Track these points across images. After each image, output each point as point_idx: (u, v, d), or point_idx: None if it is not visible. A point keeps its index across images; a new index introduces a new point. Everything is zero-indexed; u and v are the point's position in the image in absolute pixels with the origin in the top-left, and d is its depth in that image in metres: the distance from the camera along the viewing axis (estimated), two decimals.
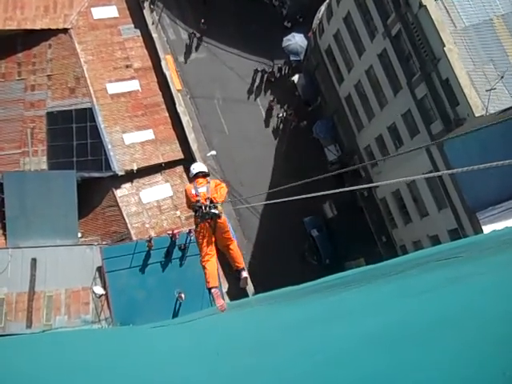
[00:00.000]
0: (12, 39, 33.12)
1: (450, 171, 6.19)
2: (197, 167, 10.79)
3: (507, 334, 2.80)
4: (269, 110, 41.26)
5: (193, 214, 10.46)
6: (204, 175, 10.67)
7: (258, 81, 41.33)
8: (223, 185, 10.55)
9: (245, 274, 10.43)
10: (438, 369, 2.67)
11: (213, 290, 10.10)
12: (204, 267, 10.32)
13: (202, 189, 10.23)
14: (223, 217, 10.27)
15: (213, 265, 10.31)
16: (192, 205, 10.29)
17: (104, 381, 4.48)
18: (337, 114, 40.54)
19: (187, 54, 40.89)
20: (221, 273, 29.94)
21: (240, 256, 10.69)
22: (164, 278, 29.09)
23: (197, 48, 41.24)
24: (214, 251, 10.43)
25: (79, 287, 28.97)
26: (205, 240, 10.26)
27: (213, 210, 9.93)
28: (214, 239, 10.34)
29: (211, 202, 10.01)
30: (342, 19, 34.96)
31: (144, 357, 5.66)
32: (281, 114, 41.16)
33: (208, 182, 10.41)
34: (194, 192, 10.24)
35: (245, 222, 37.88)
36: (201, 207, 9.97)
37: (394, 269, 8.30)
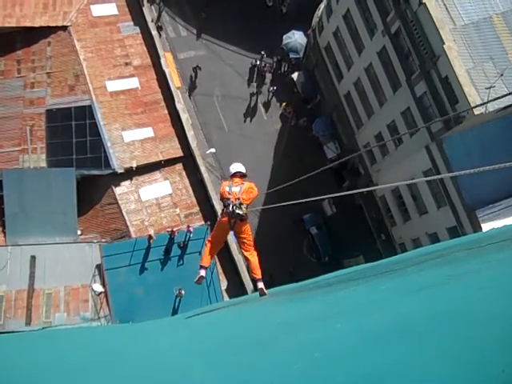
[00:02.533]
0: (11, 36, 33.07)
1: (451, 174, 6.20)
2: (236, 167, 11.19)
3: (506, 331, 2.81)
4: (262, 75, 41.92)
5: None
6: (241, 175, 11.08)
7: (252, 104, 41.42)
8: (255, 189, 10.88)
9: (260, 285, 10.59)
10: (437, 366, 2.68)
11: (202, 269, 10.68)
12: (206, 245, 10.95)
13: (236, 188, 10.62)
14: (247, 223, 10.66)
15: (213, 250, 10.94)
16: (223, 200, 10.69)
17: (103, 378, 4.48)
18: (336, 112, 40.54)
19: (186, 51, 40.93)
20: (220, 270, 30.02)
21: (257, 267, 10.90)
22: (163, 276, 29.16)
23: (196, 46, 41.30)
24: (221, 244, 11.19)
25: (78, 285, 29.00)
26: (218, 231, 10.83)
27: (237, 211, 10.30)
28: (227, 235, 11.00)
29: (240, 203, 10.39)
30: (342, 17, 34.96)
31: (143, 354, 5.67)
32: (271, 88, 41.47)
33: (243, 183, 10.78)
34: (227, 189, 10.64)
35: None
36: (229, 205, 10.35)
37: (393, 266, 8.31)
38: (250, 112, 41.06)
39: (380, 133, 35.12)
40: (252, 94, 41.30)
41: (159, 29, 38.91)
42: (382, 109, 33.91)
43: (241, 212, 10.34)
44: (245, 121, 40.71)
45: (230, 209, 10.31)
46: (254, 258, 10.96)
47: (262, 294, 10.48)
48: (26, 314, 27.80)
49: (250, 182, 11.06)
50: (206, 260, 10.81)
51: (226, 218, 10.49)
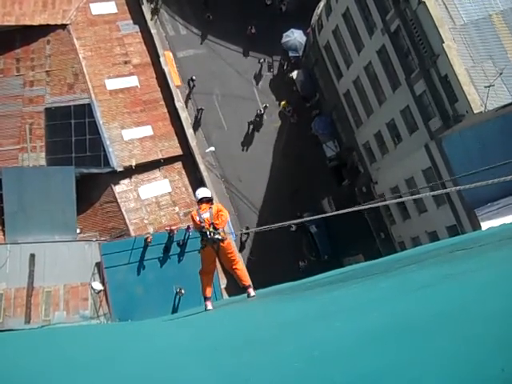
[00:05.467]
0: (10, 35, 33.02)
1: (457, 188, 6.22)
2: (201, 193, 11.54)
3: (505, 330, 2.81)
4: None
5: (191, 217, 11.33)
6: (207, 200, 11.37)
7: (250, 130, 41.26)
8: (224, 211, 11.24)
9: (252, 292, 10.97)
10: (436, 365, 2.68)
11: (207, 302, 11.20)
12: (202, 278, 11.50)
13: (206, 215, 10.96)
14: (227, 240, 11.02)
15: (209, 279, 11.57)
16: (198, 229, 11.14)
17: (102, 376, 4.49)
18: (335, 111, 40.54)
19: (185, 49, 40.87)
20: (219, 268, 29.95)
21: (245, 275, 11.40)
22: (162, 274, 29.12)
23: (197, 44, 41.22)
24: (214, 269, 11.67)
25: (78, 283, 28.98)
26: (207, 260, 11.24)
27: (216, 236, 10.71)
28: (217, 259, 11.30)
29: (214, 227, 10.77)
30: (341, 15, 34.95)
31: (142, 352, 5.67)
32: (262, 60, 41.61)
33: (210, 208, 11.10)
34: (198, 218, 11.00)
35: (243, 218, 37.93)
36: (206, 233, 10.76)
37: (393, 265, 8.32)
38: (250, 111, 41.01)
39: (379, 131, 35.13)
40: (249, 123, 41.27)
41: None
42: (381, 107, 33.92)
43: (219, 236, 10.74)
44: (244, 120, 40.67)
45: (209, 236, 10.70)
46: (241, 268, 11.47)
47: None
48: (26, 312, 27.78)
49: (217, 204, 11.59)
50: (208, 291, 11.36)
51: (208, 247, 10.91)
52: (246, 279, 11.23)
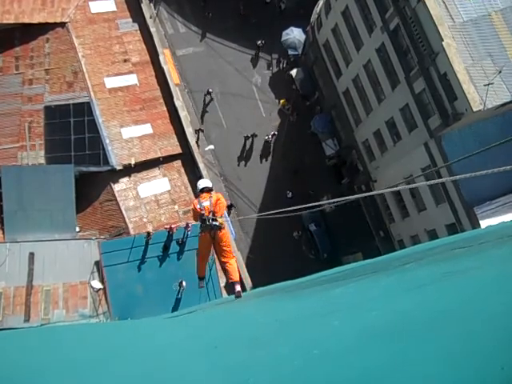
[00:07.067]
0: (9, 33, 32.98)
1: (452, 178, 6.21)
2: (202, 183, 12.22)
3: (505, 328, 2.81)
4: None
5: (191, 208, 11.95)
6: (208, 190, 12.04)
7: (248, 146, 41.08)
8: (223, 200, 11.95)
9: (238, 287, 11.42)
10: (436, 362, 2.68)
11: (202, 280, 12.66)
12: (197, 260, 12.48)
13: (206, 203, 11.64)
14: (224, 230, 11.70)
15: (202, 259, 12.46)
16: (198, 216, 11.71)
17: (102, 375, 4.48)
18: (335, 109, 40.53)
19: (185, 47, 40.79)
20: (219, 267, 30.01)
21: (235, 271, 11.85)
22: (162, 272, 29.12)
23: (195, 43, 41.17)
24: (208, 256, 12.56)
25: (77, 281, 28.97)
26: (203, 246, 11.99)
27: (214, 222, 11.34)
28: (212, 247, 11.98)
29: (213, 214, 11.44)
30: (340, 13, 34.93)
31: (142, 351, 5.67)
32: (259, 42, 41.46)
33: (211, 197, 11.78)
34: (198, 206, 11.67)
35: (242, 216, 37.92)
36: (205, 219, 11.39)
37: (392, 263, 8.32)
38: (249, 109, 40.99)
39: (379, 130, 35.14)
40: (246, 137, 40.94)
41: None
42: (380, 106, 33.92)
43: (217, 223, 11.39)
44: (243, 118, 40.64)
45: (207, 223, 11.34)
46: (233, 263, 11.93)
47: (238, 296, 11.25)
48: (25, 310, 27.77)
49: (217, 193, 12.18)
50: (202, 271, 12.58)
51: (206, 232, 11.56)
52: (235, 275, 11.69)
